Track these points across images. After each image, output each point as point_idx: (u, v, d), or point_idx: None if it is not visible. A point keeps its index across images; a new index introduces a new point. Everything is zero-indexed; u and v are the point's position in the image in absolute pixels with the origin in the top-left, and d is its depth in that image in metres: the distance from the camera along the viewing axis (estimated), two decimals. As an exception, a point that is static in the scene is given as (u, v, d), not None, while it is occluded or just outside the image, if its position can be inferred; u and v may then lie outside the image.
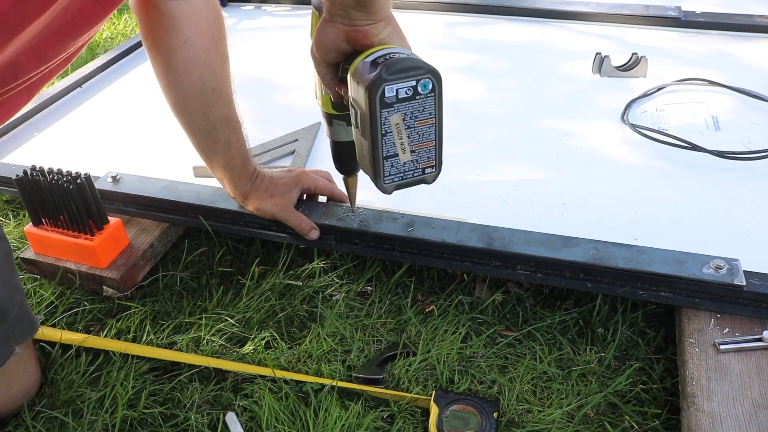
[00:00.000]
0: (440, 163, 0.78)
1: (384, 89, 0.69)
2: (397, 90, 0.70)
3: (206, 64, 0.89)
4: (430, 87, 0.70)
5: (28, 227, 1.06)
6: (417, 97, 0.71)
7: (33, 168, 1.00)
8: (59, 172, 1.00)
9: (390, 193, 0.77)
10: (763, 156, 1.16)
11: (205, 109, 0.92)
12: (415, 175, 0.77)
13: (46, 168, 1.00)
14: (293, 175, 1.05)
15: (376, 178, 0.76)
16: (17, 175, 0.99)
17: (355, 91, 0.73)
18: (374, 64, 0.71)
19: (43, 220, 1.05)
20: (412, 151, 0.75)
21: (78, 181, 0.98)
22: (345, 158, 0.96)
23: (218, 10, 0.90)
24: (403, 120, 0.72)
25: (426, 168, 0.77)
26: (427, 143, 0.75)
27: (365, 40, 0.74)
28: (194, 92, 0.90)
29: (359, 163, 0.79)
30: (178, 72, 0.88)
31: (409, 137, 0.73)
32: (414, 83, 0.70)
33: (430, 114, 0.73)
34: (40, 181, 0.99)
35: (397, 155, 0.74)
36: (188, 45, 0.86)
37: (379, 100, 0.70)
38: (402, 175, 0.76)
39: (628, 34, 1.70)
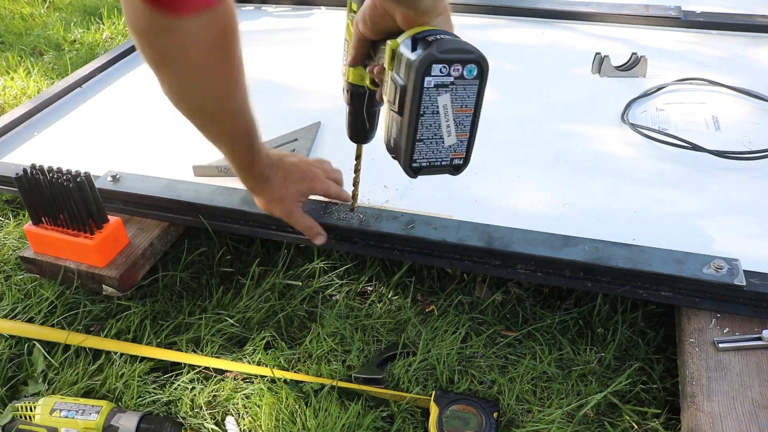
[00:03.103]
0: (469, 156, 0.76)
1: (431, 68, 0.68)
2: (442, 71, 0.68)
3: (204, 91, 0.82)
4: (476, 73, 0.69)
5: (28, 226, 1.06)
6: (460, 83, 0.69)
7: (33, 167, 1.00)
8: (59, 170, 0.99)
9: (415, 177, 0.75)
10: (763, 156, 1.16)
11: (204, 125, 0.88)
12: (443, 163, 0.75)
13: (45, 167, 1.00)
14: (307, 180, 1.00)
15: (405, 159, 0.74)
16: (17, 174, 0.99)
17: (398, 67, 0.71)
18: (423, 42, 0.69)
19: (43, 219, 1.05)
20: (447, 136, 0.73)
21: (78, 179, 0.98)
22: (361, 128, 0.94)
23: (225, 24, 0.76)
24: (444, 104, 0.71)
25: (455, 159, 0.75)
26: (462, 134, 0.74)
27: (418, 22, 0.73)
28: (192, 113, 0.86)
29: (387, 142, 0.77)
30: (175, 96, 0.83)
31: (446, 122, 0.72)
32: (460, 67, 0.68)
33: (470, 103, 0.71)
34: (39, 179, 0.99)
35: (430, 138, 0.73)
36: (182, 76, 0.79)
37: (423, 79, 0.68)
38: (430, 160, 0.74)
39: (628, 34, 1.70)
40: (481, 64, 0.68)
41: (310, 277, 1.08)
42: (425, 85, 0.69)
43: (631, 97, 1.38)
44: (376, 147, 1.27)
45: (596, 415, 0.86)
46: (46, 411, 0.83)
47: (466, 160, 0.76)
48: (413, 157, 0.74)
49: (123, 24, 2.23)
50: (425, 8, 0.72)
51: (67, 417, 0.83)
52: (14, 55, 1.99)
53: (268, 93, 1.49)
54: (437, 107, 0.71)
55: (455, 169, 0.76)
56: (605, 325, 0.98)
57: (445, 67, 0.68)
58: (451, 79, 0.69)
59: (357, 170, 0.99)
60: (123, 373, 0.93)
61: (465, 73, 0.69)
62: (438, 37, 0.69)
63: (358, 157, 0.97)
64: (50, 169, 1.00)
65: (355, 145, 0.97)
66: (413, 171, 0.75)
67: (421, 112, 0.71)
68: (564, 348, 0.95)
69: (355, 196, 1.00)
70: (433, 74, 0.68)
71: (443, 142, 0.74)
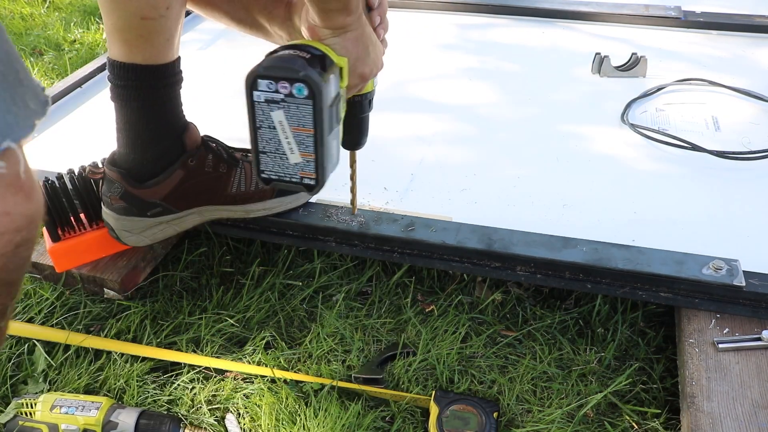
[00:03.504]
0: (322, 179, 0.75)
1: (257, 82, 0.69)
2: (269, 86, 0.69)
3: None
4: (306, 93, 0.68)
5: (51, 247, 1.00)
6: (292, 101, 0.69)
7: (46, 179, 0.96)
8: (72, 171, 0.97)
9: (267, 185, 0.77)
10: (763, 156, 1.16)
11: None
12: (293, 180, 0.75)
13: (54, 173, 0.98)
14: None
15: (254, 167, 0.75)
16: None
17: None
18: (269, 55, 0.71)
19: (60, 232, 1.01)
20: (291, 154, 0.74)
21: (103, 162, 0.98)
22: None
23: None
24: (279, 120, 0.71)
25: (305, 178, 0.75)
26: (306, 153, 0.73)
27: (312, 36, 0.75)
28: None
29: None
30: None
31: (286, 139, 0.72)
32: (288, 84, 0.68)
33: (307, 123, 0.71)
34: (58, 187, 0.96)
35: (274, 152, 0.73)
36: None
37: (251, 92, 0.69)
38: (279, 174, 0.75)
39: (628, 34, 1.70)
40: (310, 85, 0.68)
41: (310, 277, 1.08)
42: (254, 99, 0.70)
43: (631, 98, 1.38)
44: (376, 149, 1.27)
45: (596, 415, 0.87)
46: (46, 407, 0.84)
47: (319, 181, 0.75)
48: (260, 167, 0.75)
49: (123, 24, 2.22)
50: (310, 23, 0.74)
51: (67, 413, 0.83)
52: (14, 55, 1.99)
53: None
54: (273, 123, 0.71)
55: (308, 189, 0.76)
56: (605, 325, 0.98)
57: (272, 83, 0.68)
58: (281, 96, 0.69)
59: (353, 176, 0.99)
60: (123, 372, 0.93)
61: (294, 91, 0.68)
62: (284, 53, 0.70)
63: (353, 162, 0.97)
64: (69, 172, 0.97)
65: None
66: (263, 181, 0.76)
67: (258, 125, 0.72)
68: (564, 348, 0.95)
69: (353, 198, 1.00)
70: (260, 89, 0.69)
71: (288, 159, 0.74)
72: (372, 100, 0.88)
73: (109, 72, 0.89)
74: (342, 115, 0.78)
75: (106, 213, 0.97)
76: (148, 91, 0.89)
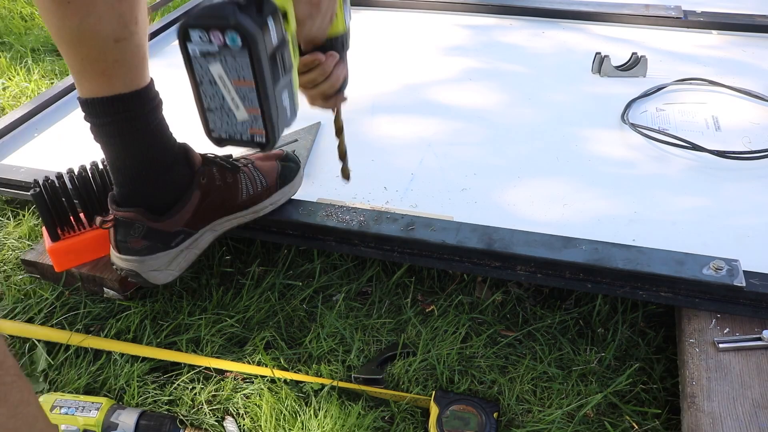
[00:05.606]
0: (273, 136, 0.70)
1: (189, 33, 0.64)
2: (201, 38, 0.63)
3: None
4: (240, 43, 0.63)
5: (51, 246, 1.00)
6: (228, 53, 0.64)
7: (46, 178, 0.96)
8: (72, 171, 0.97)
9: (220, 146, 0.72)
10: (763, 156, 1.16)
11: None
12: (244, 138, 0.71)
13: (54, 172, 0.98)
14: None
15: (203, 127, 0.71)
16: (34, 191, 0.94)
17: None
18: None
19: (60, 232, 1.00)
20: (236, 110, 0.69)
21: (104, 164, 0.97)
22: None
23: None
24: (218, 74, 0.66)
25: (255, 135, 0.70)
26: (252, 109, 0.68)
27: None
28: None
29: None
30: None
31: (228, 94, 0.68)
32: (220, 34, 0.63)
33: (246, 75, 0.65)
34: (57, 187, 0.96)
35: (219, 109, 0.69)
36: None
37: (185, 46, 0.64)
38: (229, 133, 0.71)
39: (629, 34, 1.70)
40: (243, 33, 0.62)
41: (310, 277, 1.08)
42: (190, 53, 0.65)
43: (631, 97, 1.38)
44: (376, 149, 1.28)
45: (596, 415, 0.87)
46: (46, 408, 0.84)
47: (270, 139, 0.71)
48: (209, 126, 0.71)
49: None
50: None
51: (67, 414, 0.83)
52: (14, 55, 1.99)
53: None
54: (213, 77, 0.66)
55: (261, 146, 0.71)
56: (605, 325, 0.98)
57: (203, 33, 0.63)
58: (216, 47, 0.64)
59: (339, 134, 0.91)
60: (123, 373, 0.93)
61: (228, 41, 0.63)
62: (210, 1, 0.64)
63: (338, 117, 0.89)
64: (69, 171, 0.96)
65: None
66: (215, 141, 0.72)
67: (198, 81, 0.67)
68: (564, 348, 0.95)
69: (344, 165, 0.96)
70: (193, 40, 0.64)
71: (234, 116, 0.69)
72: (346, 42, 0.80)
73: (87, 113, 0.83)
74: (294, 62, 0.72)
75: (126, 260, 0.91)
76: (140, 119, 0.84)
